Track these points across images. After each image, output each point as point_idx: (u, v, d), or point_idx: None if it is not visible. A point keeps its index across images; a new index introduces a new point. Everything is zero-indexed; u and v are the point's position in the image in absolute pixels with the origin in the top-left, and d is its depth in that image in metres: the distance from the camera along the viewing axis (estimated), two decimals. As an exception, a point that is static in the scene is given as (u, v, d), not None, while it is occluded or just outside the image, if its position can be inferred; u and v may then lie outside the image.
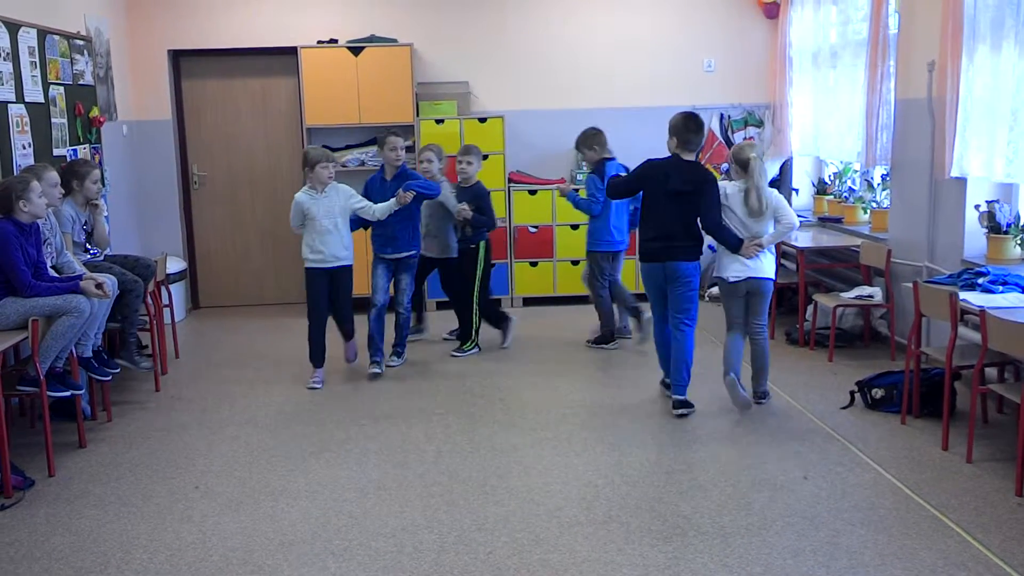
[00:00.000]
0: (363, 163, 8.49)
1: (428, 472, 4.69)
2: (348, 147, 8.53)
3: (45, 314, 4.78)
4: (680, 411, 5.43)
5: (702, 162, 8.86)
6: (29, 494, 4.51)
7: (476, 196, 6.82)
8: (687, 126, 5.41)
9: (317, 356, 6.19)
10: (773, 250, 5.60)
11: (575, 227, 8.38)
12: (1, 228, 4.75)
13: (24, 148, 5.93)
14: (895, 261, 6.50)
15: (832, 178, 8.19)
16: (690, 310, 5.45)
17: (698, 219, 5.41)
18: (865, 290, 6.62)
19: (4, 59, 5.75)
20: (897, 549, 3.75)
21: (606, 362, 6.67)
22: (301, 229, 6.11)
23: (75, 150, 6.71)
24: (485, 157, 8.31)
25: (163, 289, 6.94)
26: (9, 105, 5.77)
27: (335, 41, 8.40)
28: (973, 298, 4.75)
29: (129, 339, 5.90)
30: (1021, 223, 5.58)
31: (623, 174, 6.40)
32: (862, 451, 4.82)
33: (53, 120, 6.40)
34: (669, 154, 5.50)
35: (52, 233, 5.33)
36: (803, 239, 7.39)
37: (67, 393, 4.95)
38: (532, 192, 8.46)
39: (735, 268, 5.47)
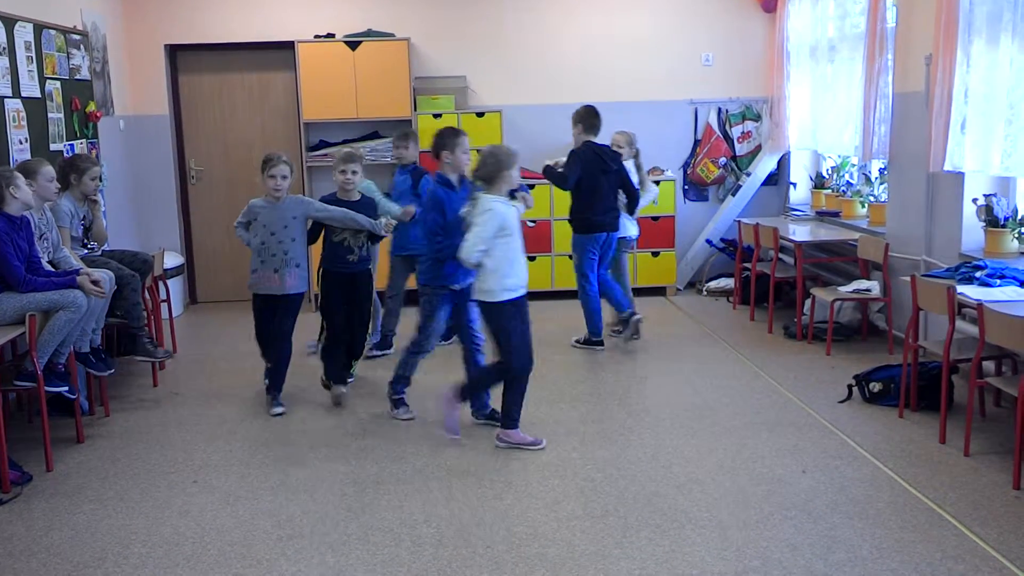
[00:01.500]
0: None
1: (426, 466, 4.69)
2: (345, 141, 8.51)
3: (42, 309, 4.77)
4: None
5: (699, 156, 8.92)
6: (27, 489, 4.51)
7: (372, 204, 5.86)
8: (592, 115, 6.60)
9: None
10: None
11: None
12: None
13: (21, 143, 5.91)
14: (893, 255, 6.50)
15: (830, 172, 8.20)
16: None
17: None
18: (863, 284, 6.62)
19: (0, 54, 5.74)
20: (894, 542, 3.76)
21: (602, 357, 6.67)
22: (483, 254, 4.72)
23: (72, 145, 6.69)
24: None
25: (160, 284, 6.94)
26: (5, 100, 5.76)
27: (332, 35, 8.38)
28: (971, 292, 4.76)
29: (139, 333, 5.87)
30: (1019, 217, 5.58)
31: (558, 169, 6.85)
32: (860, 445, 4.83)
33: (50, 115, 6.39)
34: (579, 142, 6.57)
35: (48, 228, 5.32)
36: (801, 233, 7.39)
37: (64, 387, 4.95)
38: (530, 187, 8.45)
39: (630, 228, 6.98)
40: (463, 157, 5.21)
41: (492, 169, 4.74)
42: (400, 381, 5.43)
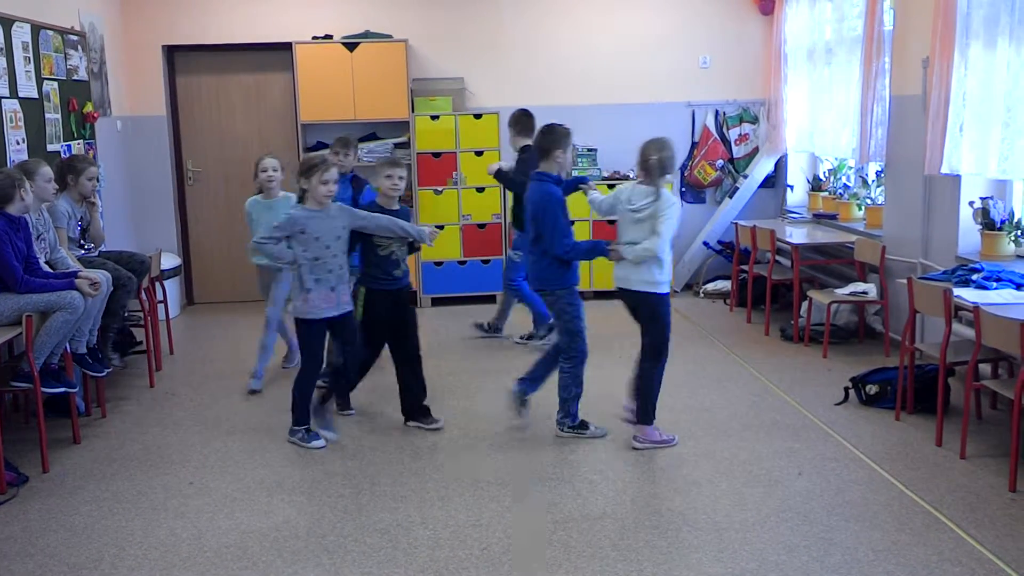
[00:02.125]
0: (359, 159, 8.47)
1: (423, 468, 4.68)
2: (343, 143, 8.51)
3: (39, 310, 4.77)
4: None
5: (696, 158, 8.93)
6: (23, 490, 4.50)
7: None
8: (528, 118, 6.66)
9: None
10: None
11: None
12: None
13: (18, 144, 5.91)
14: (889, 257, 6.51)
15: (827, 174, 8.21)
16: None
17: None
18: (859, 286, 6.62)
19: (-3, 54, 5.74)
20: (891, 545, 3.76)
21: (599, 359, 6.65)
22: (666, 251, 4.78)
23: (69, 146, 6.69)
24: (479, 153, 8.35)
25: (157, 285, 6.93)
26: (3, 100, 5.75)
27: (330, 37, 8.38)
28: (967, 294, 4.76)
29: (108, 334, 5.77)
30: (1015, 220, 5.59)
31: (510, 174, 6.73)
32: (856, 447, 4.83)
33: (47, 115, 6.38)
34: (520, 146, 6.60)
35: (45, 228, 5.31)
36: (798, 235, 7.40)
37: (61, 389, 4.94)
38: (527, 188, 8.45)
39: None
40: (570, 157, 5.15)
41: (669, 164, 4.76)
42: (572, 402, 5.05)
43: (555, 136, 4.98)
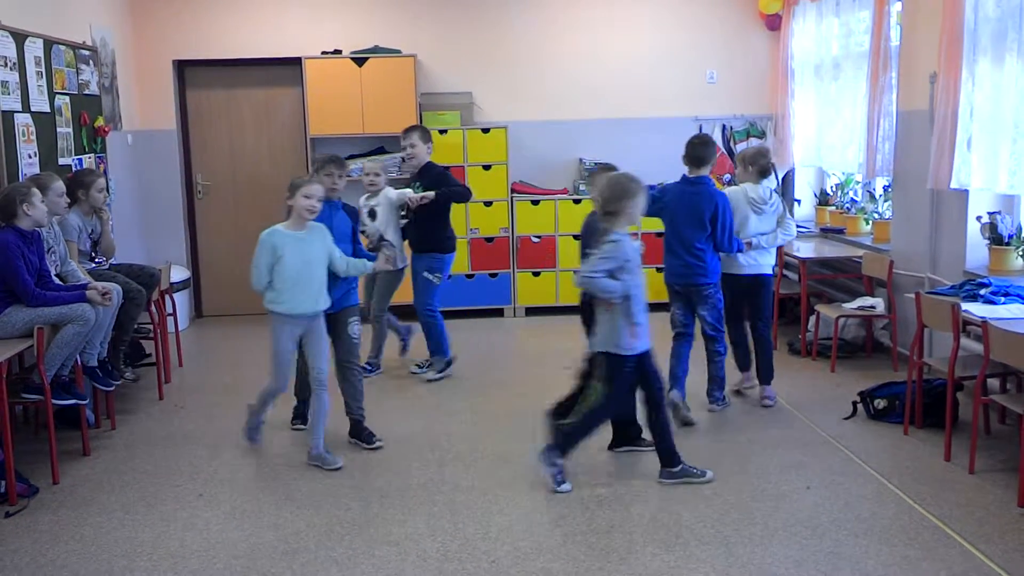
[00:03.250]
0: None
1: (431, 480, 4.69)
2: (352, 157, 8.55)
3: (51, 323, 4.80)
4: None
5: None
6: (33, 502, 4.52)
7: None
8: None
9: None
10: None
11: (577, 237, 8.39)
12: (1, 238, 4.75)
13: (30, 157, 5.95)
14: (897, 272, 6.51)
15: (834, 189, 8.21)
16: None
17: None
18: (867, 301, 6.63)
19: (10, 69, 5.78)
20: (899, 559, 3.76)
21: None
22: None
23: (80, 159, 6.73)
24: (487, 167, 8.39)
25: (167, 298, 6.96)
26: (15, 114, 5.80)
27: (339, 52, 8.44)
28: (975, 309, 4.77)
29: (120, 347, 5.81)
30: (1023, 235, 5.59)
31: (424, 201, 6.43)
32: (864, 461, 4.83)
33: (59, 129, 6.43)
34: (423, 161, 6.47)
35: (56, 242, 5.35)
36: (805, 250, 7.40)
37: (71, 401, 4.96)
38: (535, 202, 8.49)
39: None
40: None
41: None
42: (719, 384, 5.70)
43: (709, 146, 5.60)
